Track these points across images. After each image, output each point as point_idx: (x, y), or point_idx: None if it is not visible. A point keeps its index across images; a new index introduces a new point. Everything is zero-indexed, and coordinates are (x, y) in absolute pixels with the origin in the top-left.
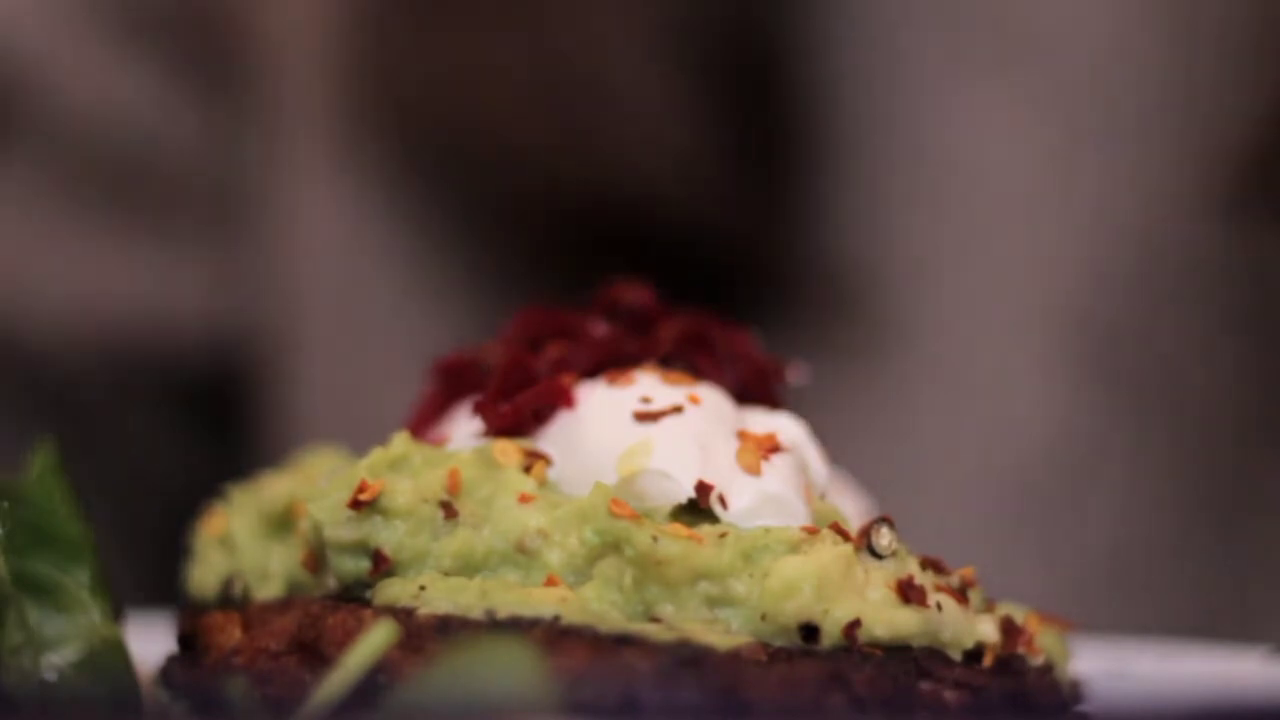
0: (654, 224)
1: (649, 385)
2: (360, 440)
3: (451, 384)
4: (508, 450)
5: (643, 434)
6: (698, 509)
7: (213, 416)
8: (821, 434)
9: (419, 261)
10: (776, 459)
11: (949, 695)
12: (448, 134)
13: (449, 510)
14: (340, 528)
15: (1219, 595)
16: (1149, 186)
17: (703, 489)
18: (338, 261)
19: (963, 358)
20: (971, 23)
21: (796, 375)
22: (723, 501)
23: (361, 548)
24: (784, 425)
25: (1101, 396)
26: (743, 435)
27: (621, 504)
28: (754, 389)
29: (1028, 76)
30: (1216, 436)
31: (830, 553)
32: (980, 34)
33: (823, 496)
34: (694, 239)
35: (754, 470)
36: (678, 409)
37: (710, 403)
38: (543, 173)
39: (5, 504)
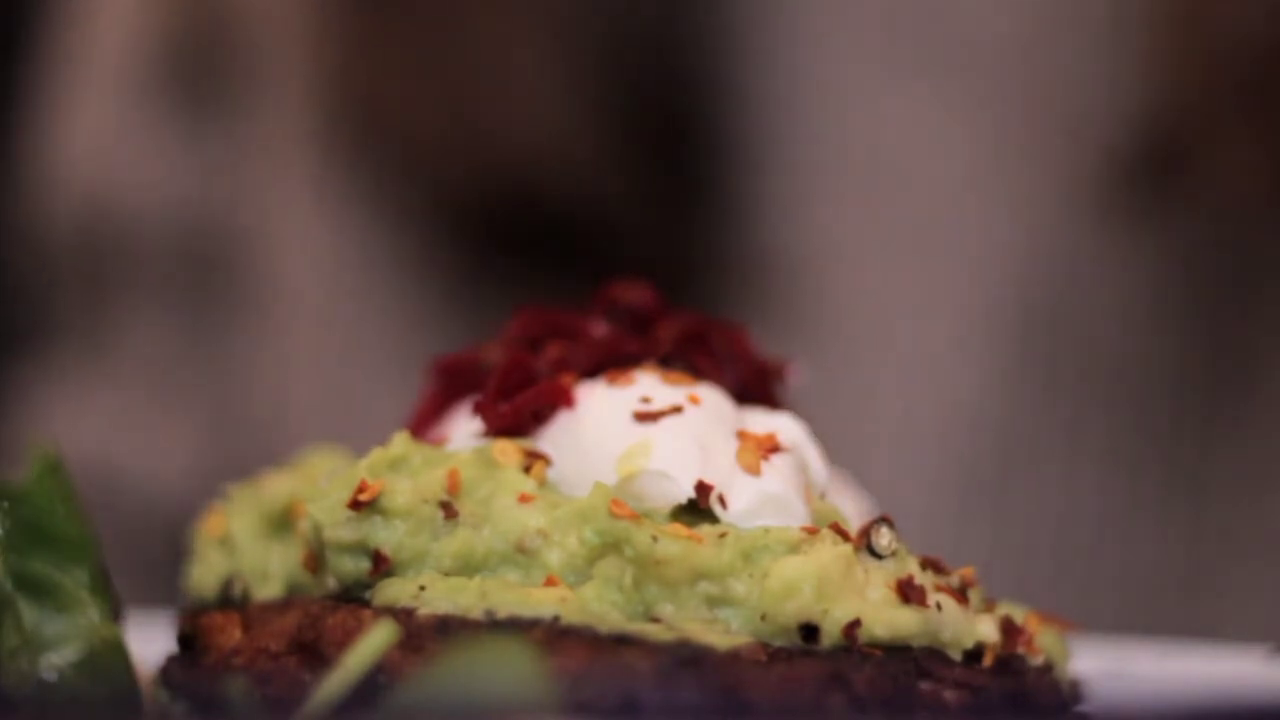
0: (575, 223)
1: (649, 385)
2: (353, 442)
3: (451, 384)
4: (507, 450)
5: (642, 434)
6: (697, 509)
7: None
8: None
9: (400, 269)
10: (776, 459)
11: (949, 695)
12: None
13: (449, 510)
14: (340, 528)
15: (1159, 573)
16: (1068, 177)
17: (702, 489)
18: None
19: (885, 345)
20: (893, 19)
21: (796, 375)
22: (722, 501)
23: (361, 548)
24: (784, 425)
25: (1037, 375)
26: (742, 435)
27: (621, 504)
28: (754, 389)
29: (951, 69)
30: (1148, 418)
31: (830, 553)
32: (904, 30)
33: (823, 496)
34: (614, 234)
35: (754, 470)
36: (677, 409)
37: (710, 403)
38: (455, 172)
39: (5, 504)
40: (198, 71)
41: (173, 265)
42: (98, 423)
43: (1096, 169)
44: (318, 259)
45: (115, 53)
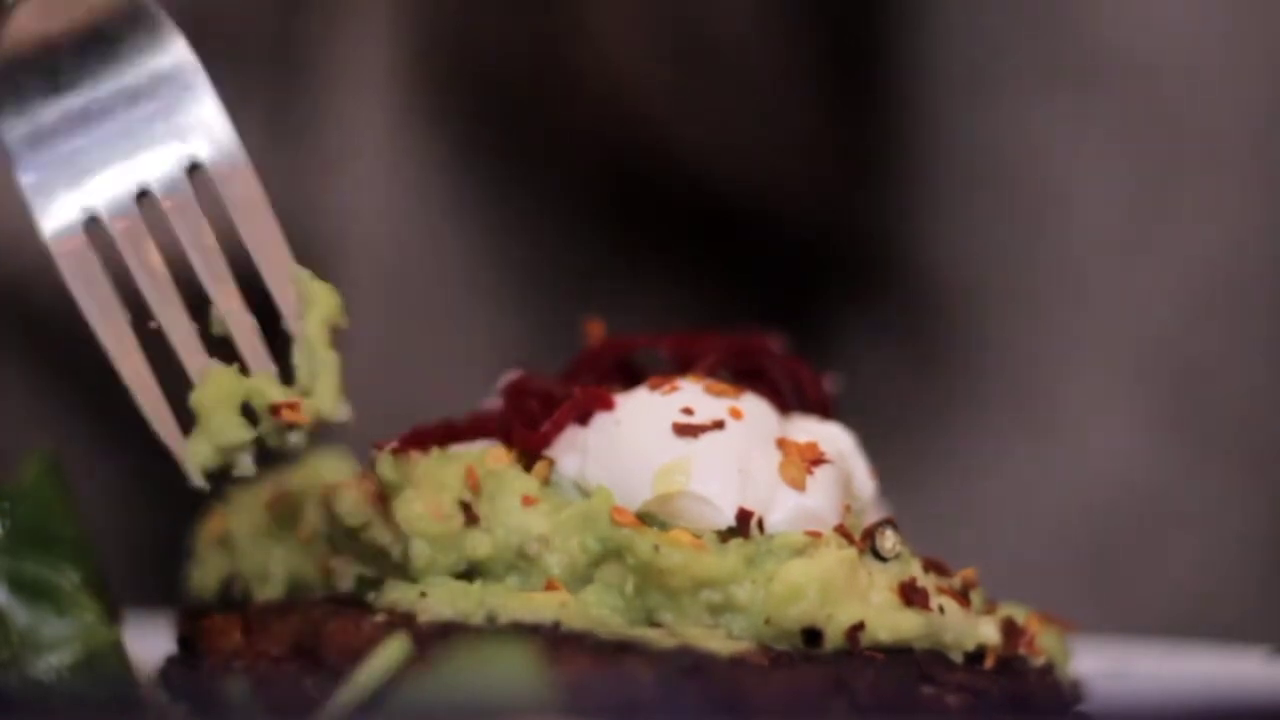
0: (748, 210)
1: (691, 395)
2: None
3: (514, 407)
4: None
5: (682, 449)
6: (736, 532)
7: None
8: (887, 445)
9: (490, 232)
10: (820, 472)
11: (951, 699)
12: (528, 97)
13: (469, 513)
14: (357, 524)
15: None
16: (1246, 223)
17: (744, 517)
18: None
19: (1045, 387)
20: (1067, 45)
21: (834, 385)
22: (761, 526)
23: (381, 546)
24: (831, 435)
25: (1187, 437)
26: (785, 445)
27: (623, 511)
28: (800, 399)
29: (1127, 103)
30: None
31: (835, 556)
32: (1077, 55)
33: (862, 511)
34: (785, 228)
35: (798, 485)
36: (719, 424)
37: (752, 416)
38: (646, 140)
39: (4, 504)
40: (275, 33)
41: None
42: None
43: (1273, 214)
44: (393, 226)
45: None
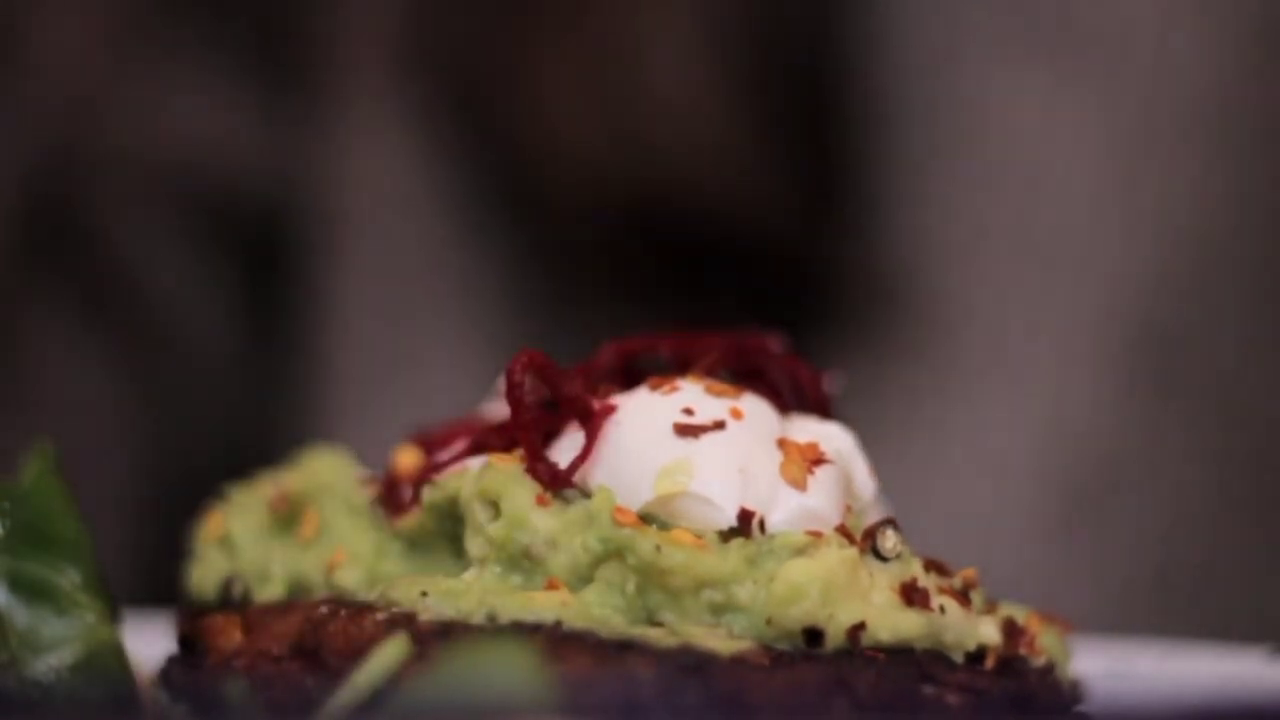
0: (695, 222)
1: (691, 395)
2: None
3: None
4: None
5: (683, 450)
6: (737, 533)
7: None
8: (861, 432)
9: (462, 239)
10: (820, 472)
11: (952, 699)
12: (496, 120)
13: (496, 508)
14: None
15: (1272, 606)
16: (1214, 190)
17: (745, 517)
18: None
19: (1012, 358)
20: (1037, 16)
21: (835, 384)
22: (762, 526)
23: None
24: (831, 434)
25: (1155, 402)
26: (785, 445)
27: (625, 511)
28: (801, 399)
29: (1093, 72)
30: (1272, 446)
31: (836, 556)
32: (1047, 28)
33: (863, 511)
34: (737, 237)
35: (799, 485)
36: (720, 424)
37: (753, 416)
38: (589, 169)
39: (4, 504)
40: (272, 32)
41: (236, 219)
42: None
43: (1248, 177)
44: (389, 228)
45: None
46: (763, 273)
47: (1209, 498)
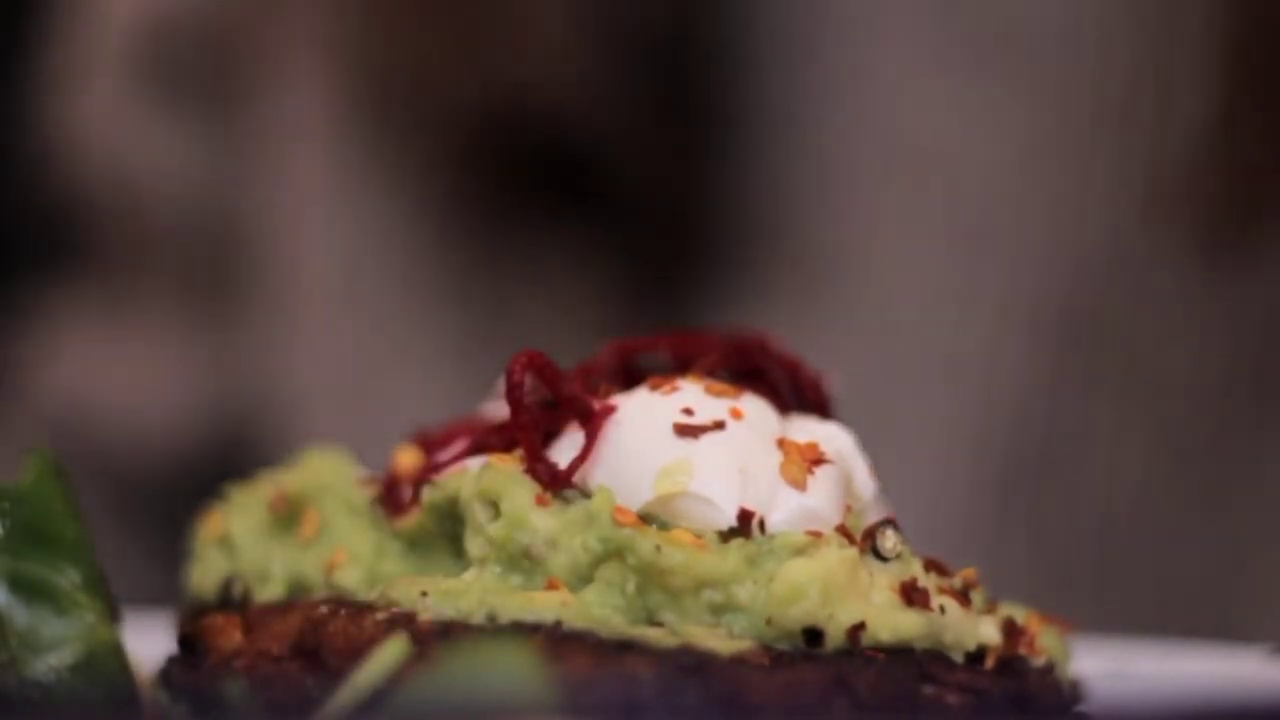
0: (584, 171)
1: (691, 395)
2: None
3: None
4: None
5: (683, 451)
6: (737, 533)
7: None
8: None
9: (416, 235)
10: (820, 472)
11: (952, 699)
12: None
13: (496, 509)
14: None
15: (1200, 575)
16: (1116, 174)
17: (745, 517)
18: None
19: (895, 304)
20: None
21: (833, 383)
22: (762, 526)
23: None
24: (830, 435)
25: (1068, 381)
26: (785, 445)
27: (625, 511)
28: (801, 399)
29: (1000, 53)
30: (1192, 419)
31: (836, 556)
32: (952, 11)
33: (863, 511)
34: (636, 188)
35: (799, 485)
36: (719, 425)
37: (752, 416)
38: (471, 125)
39: (4, 504)
40: (206, 52)
41: (186, 245)
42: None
43: (1146, 165)
44: (331, 234)
45: (122, 35)
46: (646, 216)
47: (1140, 473)
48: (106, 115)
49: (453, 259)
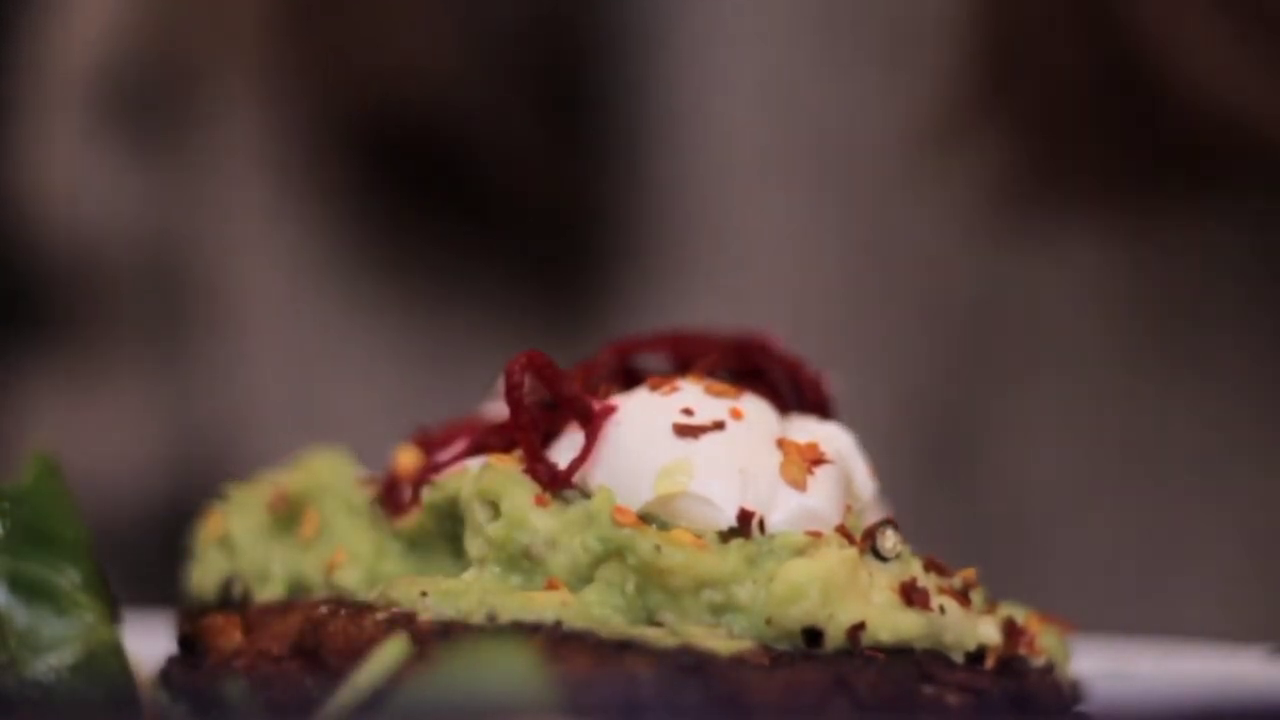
0: (466, 176)
1: (691, 396)
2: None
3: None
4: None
5: (683, 451)
6: (737, 532)
7: None
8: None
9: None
10: (820, 472)
11: (952, 698)
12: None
13: (496, 509)
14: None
15: (1114, 556)
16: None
17: (745, 517)
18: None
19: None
20: None
21: (831, 384)
22: (762, 526)
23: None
24: (831, 434)
25: (966, 355)
26: (785, 445)
27: (625, 511)
28: (801, 399)
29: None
30: (1101, 395)
31: (836, 556)
32: None
33: (862, 511)
34: (501, 187)
35: (799, 485)
36: (719, 425)
37: (752, 416)
38: (365, 141)
39: (4, 505)
40: (145, 91)
41: (141, 291)
42: (67, 433)
43: (933, 93)
44: (275, 262)
45: (68, 76)
46: (528, 215)
47: (1055, 454)
48: (61, 162)
49: (377, 272)
